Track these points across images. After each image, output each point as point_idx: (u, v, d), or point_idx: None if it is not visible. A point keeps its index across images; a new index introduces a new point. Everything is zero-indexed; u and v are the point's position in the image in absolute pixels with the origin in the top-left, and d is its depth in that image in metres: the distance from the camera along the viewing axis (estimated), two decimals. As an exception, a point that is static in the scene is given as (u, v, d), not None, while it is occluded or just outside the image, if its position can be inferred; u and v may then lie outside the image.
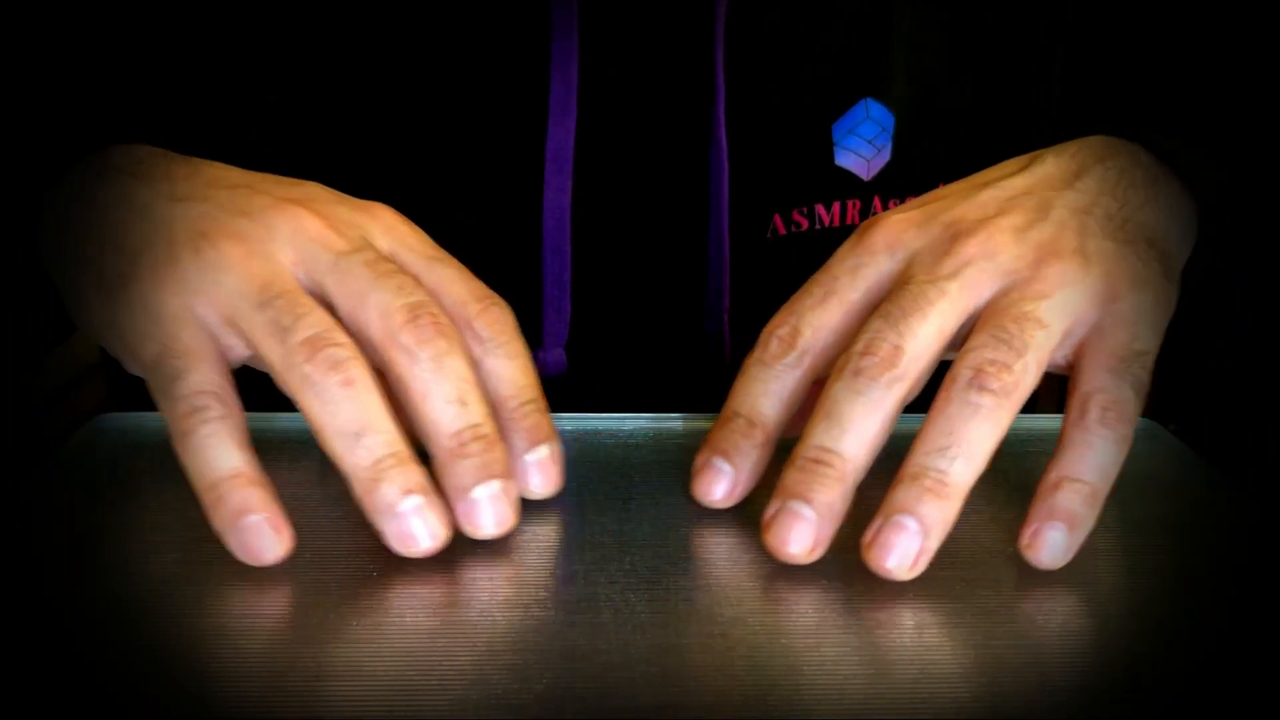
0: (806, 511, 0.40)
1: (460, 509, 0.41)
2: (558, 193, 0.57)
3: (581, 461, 0.48)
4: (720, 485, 0.44)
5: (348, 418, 0.40)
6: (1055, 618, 0.39)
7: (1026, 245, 0.43)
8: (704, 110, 0.57)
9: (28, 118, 0.56)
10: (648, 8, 0.57)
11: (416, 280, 0.43)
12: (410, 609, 0.39)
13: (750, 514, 0.44)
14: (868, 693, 0.35)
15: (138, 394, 0.43)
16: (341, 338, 0.41)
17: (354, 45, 0.56)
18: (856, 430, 0.40)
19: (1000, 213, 0.44)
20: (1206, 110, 0.61)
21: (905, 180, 0.61)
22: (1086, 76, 0.63)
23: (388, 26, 0.56)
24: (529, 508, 0.44)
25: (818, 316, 0.44)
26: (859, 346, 0.41)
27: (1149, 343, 0.42)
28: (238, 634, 0.37)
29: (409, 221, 0.46)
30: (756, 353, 0.44)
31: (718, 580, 0.40)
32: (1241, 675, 0.37)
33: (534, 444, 0.43)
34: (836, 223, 0.61)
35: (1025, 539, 0.40)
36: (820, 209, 0.61)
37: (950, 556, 0.41)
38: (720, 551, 0.42)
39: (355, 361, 0.40)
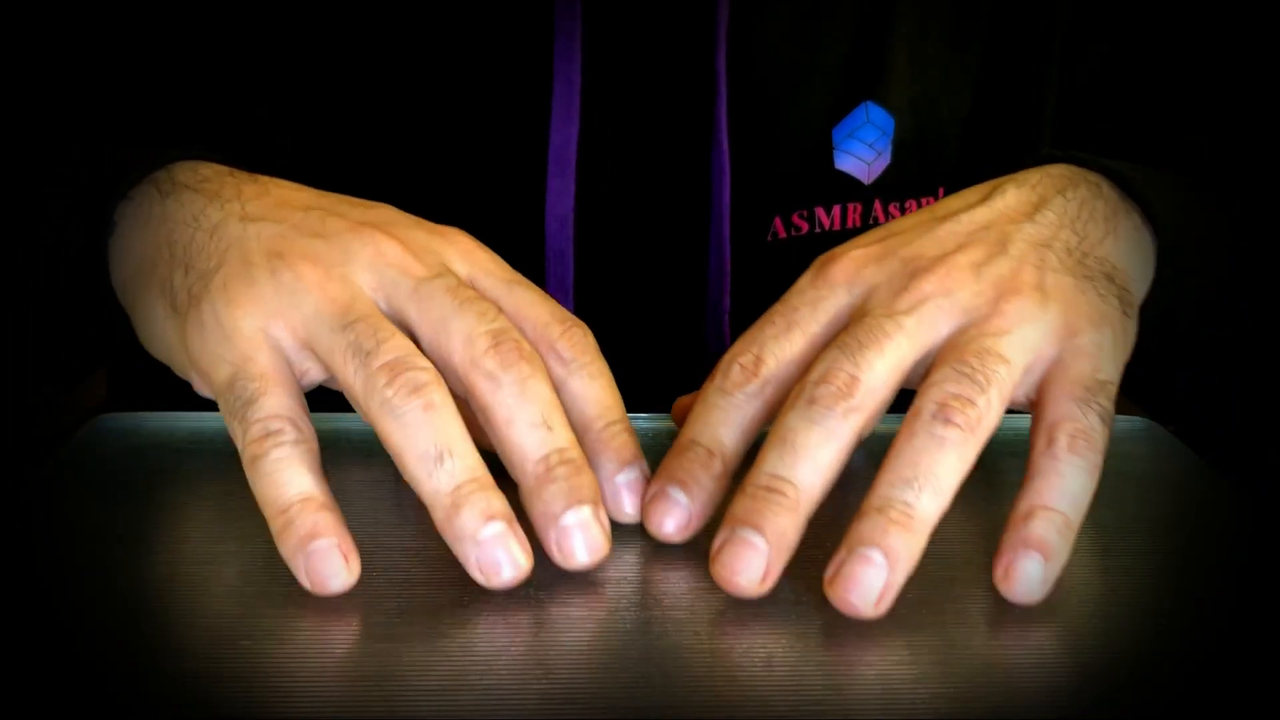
0: (758, 540, 0.38)
1: (551, 536, 0.40)
2: (560, 195, 0.57)
3: (581, 461, 0.48)
4: (674, 517, 0.42)
5: (428, 442, 0.39)
6: (1055, 618, 0.39)
7: (984, 282, 0.43)
8: (706, 113, 0.57)
9: (83, 133, 0.56)
10: (650, 11, 0.57)
11: (497, 306, 0.43)
12: (410, 609, 0.39)
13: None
14: (868, 693, 0.35)
15: (138, 394, 0.43)
16: (423, 362, 0.40)
17: (358, 48, 0.56)
18: (812, 459, 0.39)
19: (959, 248, 0.44)
20: (1186, 125, 0.61)
21: (905, 184, 0.61)
22: (1080, 83, 0.63)
23: (391, 30, 0.56)
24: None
25: (780, 347, 0.43)
26: (814, 376, 0.41)
27: (1111, 374, 0.42)
28: (238, 634, 0.37)
29: (484, 246, 0.46)
30: (717, 380, 0.43)
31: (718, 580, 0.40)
32: (1242, 675, 0.37)
33: (623, 465, 0.42)
34: (837, 226, 0.61)
35: (1000, 571, 0.39)
36: (820, 212, 0.61)
37: (951, 557, 0.41)
38: (720, 551, 0.42)
39: (437, 386, 0.40)
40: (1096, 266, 0.44)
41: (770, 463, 0.40)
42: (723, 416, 0.43)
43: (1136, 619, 0.39)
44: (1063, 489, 0.39)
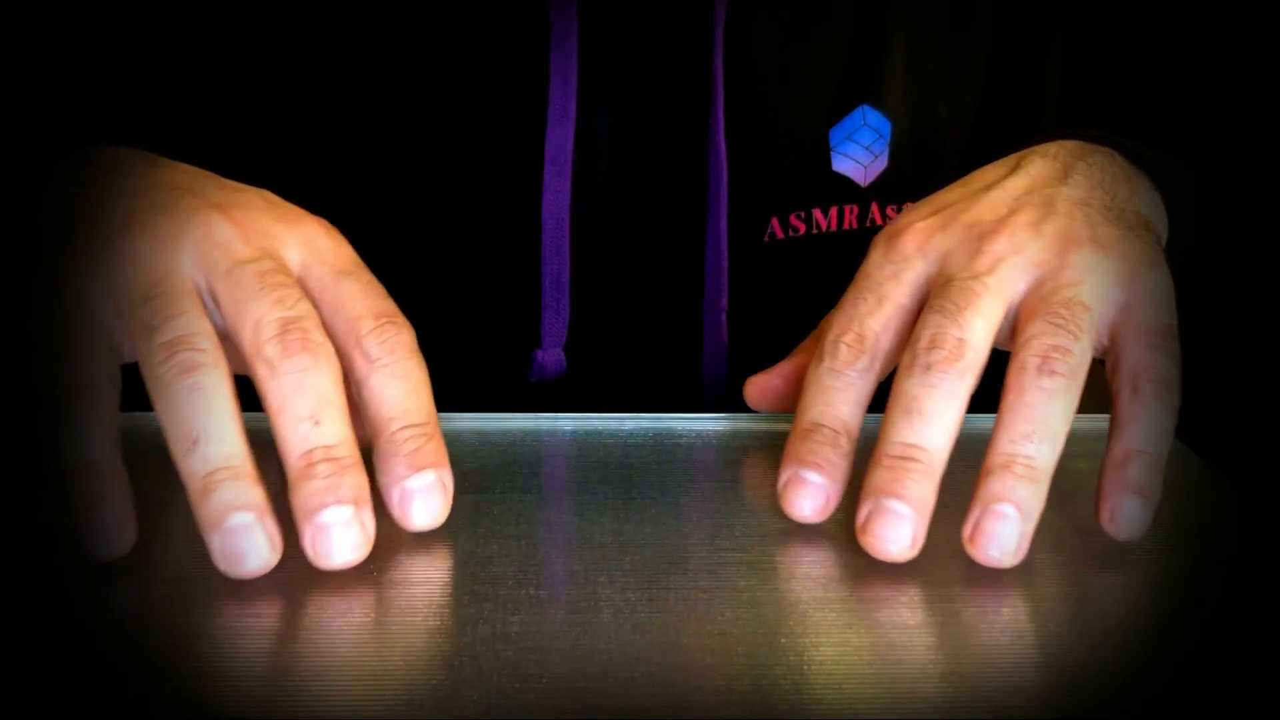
0: (902, 509, 0.40)
1: (306, 534, 0.39)
2: (556, 194, 0.57)
3: (581, 461, 0.48)
4: (812, 499, 0.42)
5: (187, 422, 0.39)
6: (1056, 618, 0.39)
7: (1047, 238, 0.45)
8: (703, 113, 0.57)
9: (18, 115, 0.56)
10: (647, 10, 0.57)
11: (303, 294, 0.42)
12: (410, 609, 0.39)
13: (749, 513, 0.44)
14: (867, 692, 0.35)
15: (137, 395, 0.43)
16: (204, 343, 0.40)
17: (353, 48, 0.56)
18: (938, 422, 0.41)
19: (1012, 211, 0.46)
20: (1187, 127, 0.61)
21: (902, 187, 0.62)
22: (1080, 87, 0.64)
23: (387, 29, 0.56)
24: (527, 508, 0.44)
25: (877, 321, 0.45)
26: (924, 342, 0.42)
27: (1174, 316, 0.45)
28: (238, 634, 0.37)
29: (335, 235, 0.45)
30: (826, 362, 0.44)
31: (718, 580, 0.40)
32: (1242, 675, 0.37)
33: (414, 470, 0.41)
34: (834, 227, 0.61)
35: (1106, 515, 0.41)
36: (818, 213, 0.61)
37: (952, 558, 0.41)
38: (720, 551, 0.42)
39: (210, 368, 0.39)
40: (1135, 218, 0.47)
41: (899, 431, 0.41)
42: (841, 395, 0.44)
43: (1137, 619, 0.39)
44: (1152, 431, 0.42)
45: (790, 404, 0.48)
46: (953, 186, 0.50)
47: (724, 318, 0.60)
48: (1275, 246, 0.56)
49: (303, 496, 0.39)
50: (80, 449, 0.39)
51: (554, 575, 0.40)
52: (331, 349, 0.41)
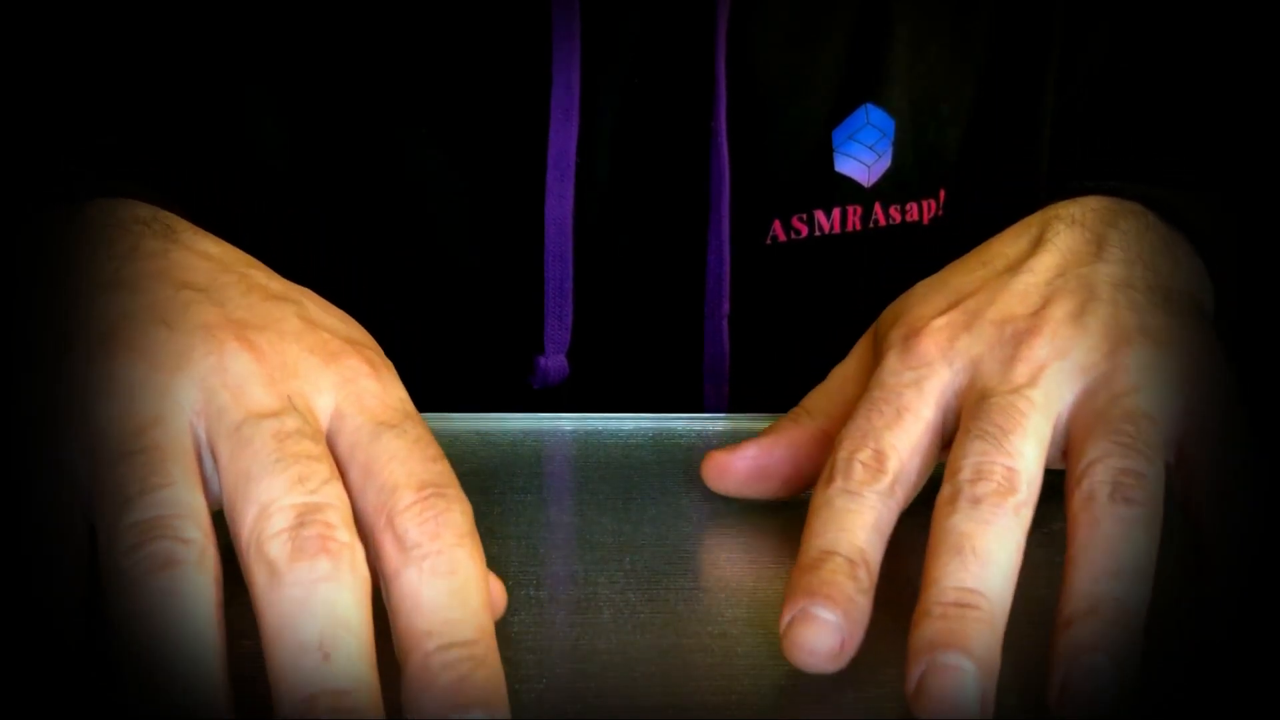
0: (964, 663, 0.33)
1: None
2: (559, 199, 0.57)
3: (581, 461, 0.48)
4: (828, 638, 0.34)
5: (150, 636, 0.30)
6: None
7: (1093, 335, 0.39)
8: (705, 115, 0.57)
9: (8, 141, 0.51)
10: (649, 12, 0.57)
11: (333, 472, 0.33)
12: (410, 609, 0.39)
13: (749, 513, 0.44)
14: (867, 692, 0.35)
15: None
16: (190, 531, 0.31)
17: (354, 51, 0.56)
18: (996, 563, 0.35)
19: (1046, 301, 0.41)
20: (1198, 141, 0.61)
21: (905, 186, 0.61)
22: (1080, 86, 0.63)
23: (388, 31, 0.56)
24: (527, 508, 0.44)
25: (897, 437, 0.39)
26: (967, 473, 0.36)
27: (1243, 414, 0.39)
28: (237, 634, 0.37)
29: (383, 373, 0.37)
30: (838, 482, 0.37)
31: (718, 580, 0.40)
32: (1243, 676, 0.37)
33: (455, 708, 0.30)
34: (836, 229, 0.61)
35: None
36: (820, 215, 0.61)
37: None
38: (720, 551, 0.42)
39: (194, 568, 0.30)
40: (1184, 301, 0.42)
41: (953, 575, 0.34)
42: (858, 519, 0.37)
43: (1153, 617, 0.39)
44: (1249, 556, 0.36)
45: (750, 489, 0.43)
46: (968, 262, 0.44)
47: (725, 322, 0.60)
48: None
49: None
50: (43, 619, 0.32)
51: (554, 575, 0.40)
52: (361, 554, 0.32)
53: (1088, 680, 0.33)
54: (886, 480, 0.38)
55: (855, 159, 0.61)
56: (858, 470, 0.38)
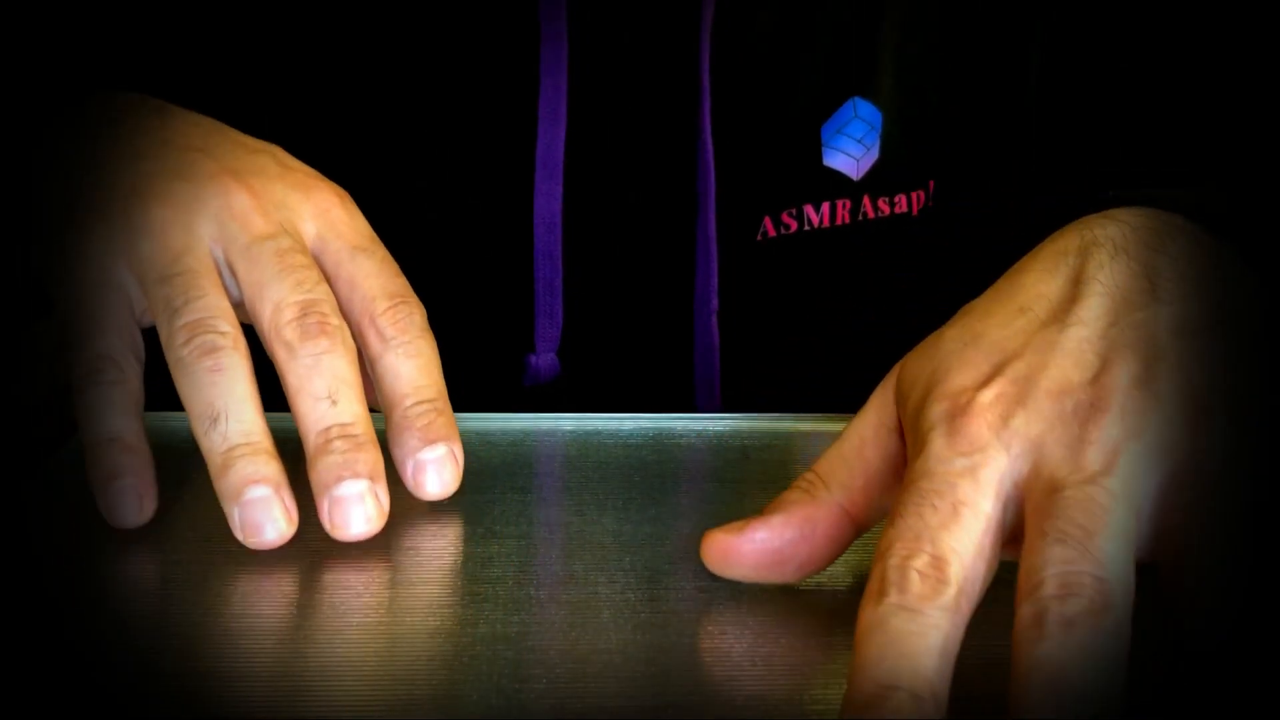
0: None
1: (323, 506, 0.40)
2: (548, 198, 0.57)
3: (581, 461, 0.48)
4: None
5: (208, 402, 0.40)
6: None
7: (1171, 407, 0.34)
8: (692, 113, 0.57)
9: (19, 63, 0.56)
10: (635, 11, 0.57)
11: (320, 275, 0.43)
12: (410, 609, 0.39)
13: (749, 513, 0.44)
14: (868, 693, 0.35)
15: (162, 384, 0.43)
16: (224, 325, 0.41)
17: (345, 52, 0.56)
18: (1094, 691, 0.30)
19: (1106, 364, 0.36)
20: (1177, 129, 0.61)
21: (894, 179, 0.61)
22: (1064, 74, 0.63)
23: (378, 33, 0.56)
24: (527, 508, 0.44)
25: (957, 539, 0.33)
26: (1051, 589, 0.31)
27: None
28: (238, 634, 0.37)
29: (348, 204, 0.46)
30: (893, 597, 0.32)
31: (718, 580, 0.40)
32: (1243, 676, 0.37)
33: (427, 442, 0.42)
34: (826, 223, 0.61)
35: None
36: (809, 210, 0.61)
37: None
38: (720, 551, 0.42)
39: (231, 350, 0.41)
40: (1247, 332, 0.37)
41: (1044, 708, 0.30)
42: (920, 644, 0.31)
43: (1137, 618, 0.39)
44: None
45: (762, 578, 0.39)
46: (1002, 306, 0.38)
47: (714, 318, 0.60)
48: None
49: (320, 471, 0.40)
50: (103, 424, 0.41)
51: (554, 575, 0.40)
52: (348, 331, 0.43)
53: None
54: (950, 592, 0.32)
55: (844, 153, 0.61)
56: (915, 581, 0.32)
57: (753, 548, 0.38)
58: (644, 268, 0.60)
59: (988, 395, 0.36)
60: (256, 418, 0.41)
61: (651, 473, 0.47)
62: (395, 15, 0.56)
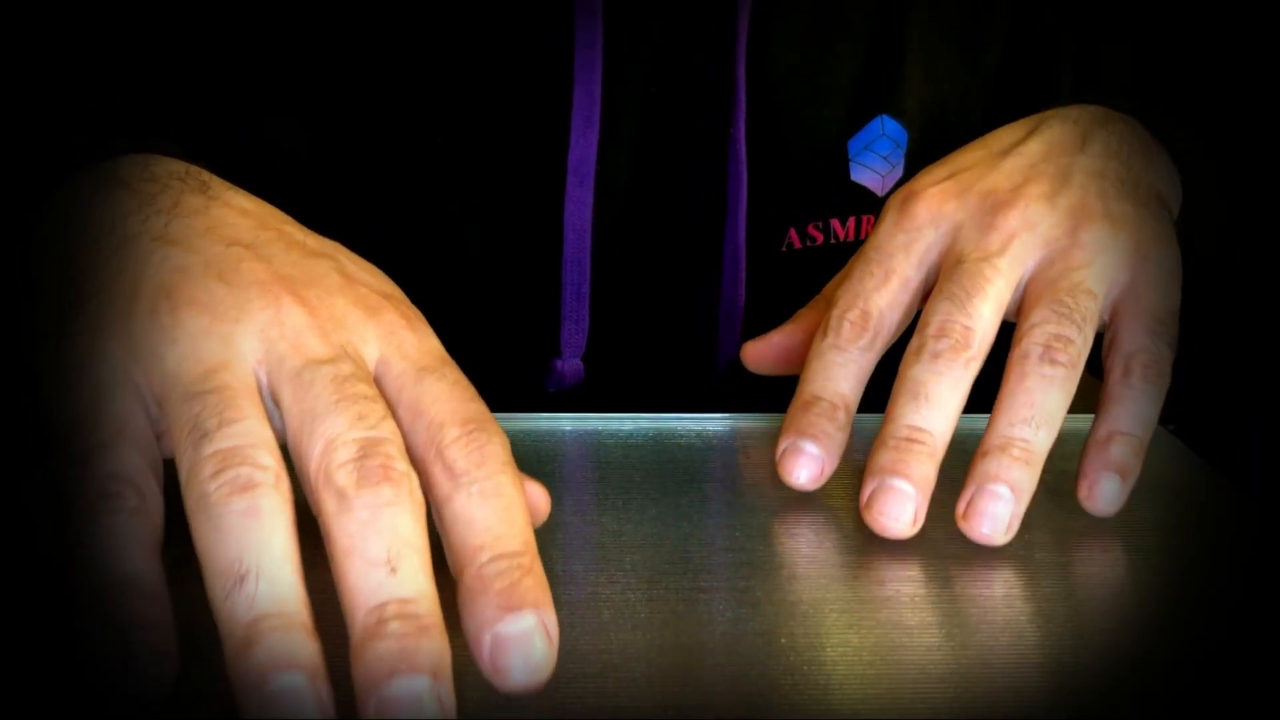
0: (905, 486, 0.41)
1: (370, 705, 0.31)
2: (579, 205, 0.57)
3: (581, 461, 0.48)
4: (809, 468, 0.44)
5: (236, 555, 0.32)
6: (1056, 618, 0.39)
7: (1060, 212, 0.46)
8: (724, 124, 0.57)
9: (34, 117, 0.52)
10: (671, 21, 0.57)
11: (387, 411, 0.36)
12: (410, 609, 0.38)
13: (749, 513, 0.44)
14: (867, 692, 0.35)
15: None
16: (267, 459, 0.34)
17: (377, 57, 0.56)
18: (942, 407, 0.42)
19: (1027, 180, 0.47)
20: (1202, 110, 0.61)
21: None
22: (1091, 86, 0.64)
23: (412, 38, 0.56)
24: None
25: (883, 298, 0.46)
26: (932, 330, 0.43)
27: (1176, 299, 0.46)
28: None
29: (420, 327, 0.39)
30: (830, 338, 0.46)
31: (717, 580, 0.40)
32: (1243, 676, 0.37)
33: (509, 611, 0.33)
34: (851, 237, 0.61)
35: (1084, 490, 0.43)
36: (835, 223, 0.61)
37: (952, 558, 0.41)
38: (720, 551, 0.42)
39: (272, 491, 0.33)
40: (1149, 192, 0.48)
41: (906, 414, 0.42)
42: (842, 371, 0.45)
43: (1137, 619, 0.39)
44: (1137, 415, 0.43)
45: (782, 369, 0.51)
46: (972, 146, 0.50)
47: (740, 325, 0.60)
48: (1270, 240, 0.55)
49: (369, 662, 0.32)
50: (120, 564, 0.33)
51: (553, 575, 0.40)
52: (417, 481, 0.35)
53: (991, 501, 0.41)
54: (868, 337, 0.46)
55: (870, 169, 0.61)
56: (846, 329, 0.46)
57: (771, 349, 0.51)
58: (671, 275, 0.60)
59: (935, 189, 0.48)
60: (295, 581, 0.32)
61: (651, 473, 0.47)
62: (429, 21, 0.56)
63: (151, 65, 0.56)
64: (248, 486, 0.33)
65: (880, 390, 0.45)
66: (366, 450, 0.34)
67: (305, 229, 0.41)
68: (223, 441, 0.34)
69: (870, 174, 0.61)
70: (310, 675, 0.31)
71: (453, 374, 0.38)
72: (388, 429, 0.35)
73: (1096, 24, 0.63)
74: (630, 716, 0.34)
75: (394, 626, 0.32)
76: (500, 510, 0.35)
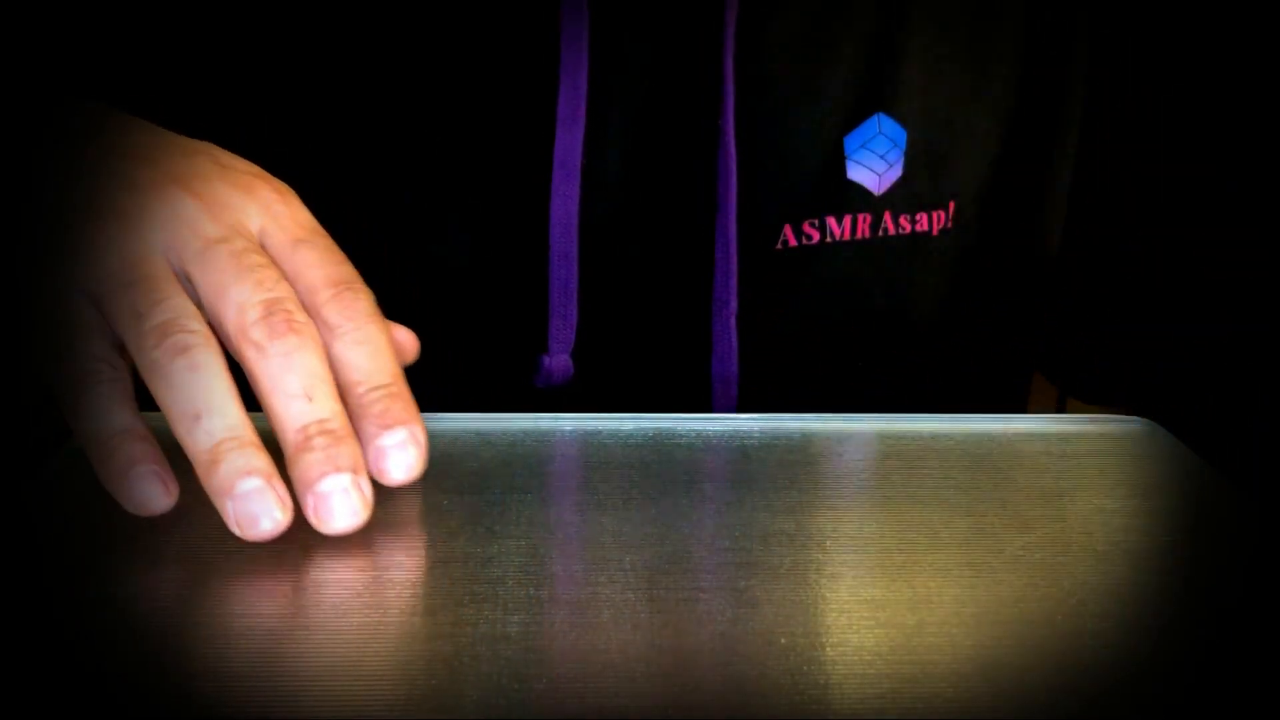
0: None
1: (308, 504, 0.40)
2: (565, 200, 0.57)
3: (581, 461, 0.48)
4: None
5: (189, 400, 0.40)
6: (1055, 618, 0.39)
7: None
8: (713, 117, 0.57)
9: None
10: (658, 15, 0.57)
11: (279, 273, 0.43)
12: (410, 609, 0.39)
13: (749, 513, 0.44)
14: (867, 692, 0.35)
15: (137, 394, 0.43)
16: (194, 324, 0.41)
17: (363, 51, 0.56)
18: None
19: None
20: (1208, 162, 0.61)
21: (915, 197, 0.62)
22: (1108, 91, 0.64)
23: (397, 32, 0.56)
24: (527, 508, 0.44)
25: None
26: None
27: None
28: (237, 634, 0.37)
29: (290, 200, 0.46)
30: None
31: (717, 580, 0.40)
32: (1243, 676, 0.37)
33: (384, 428, 0.42)
34: (846, 235, 0.61)
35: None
36: (831, 221, 0.61)
37: (952, 557, 0.41)
38: (720, 551, 0.42)
39: (204, 347, 0.41)
40: None
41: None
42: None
43: (1137, 619, 0.39)
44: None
45: None
46: None
47: (733, 322, 0.60)
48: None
49: (302, 468, 0.40)
50: (112, 419, 0.41)
51: (554, 575, 0.40)
52: (314, 326, 0.42)
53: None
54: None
55: (866, 167, 0.61)
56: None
57: None
58: (661, 271, 0.60)
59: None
60: (238, 411, 0.41)
61: (651, 473, 0.47)
62: (414, 15, 0.56)
63: (132, 66, 0.57)
64: (185, 348, 0.41)
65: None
66: (271, 309, 0.42)
67: (179, 135, 0.47)
68: (157, 317, 0.41)
69: (866, 172, 0.61)
70: (266, 477, 0.40)
71: (322, 242, 0.45)
72: (284, 289, 0.43)
73: (1113, 35, 0.63)
74: (630, 717, 0.34)
75: (318, 440, 0.40)
76: (370, 352, 0.43)
